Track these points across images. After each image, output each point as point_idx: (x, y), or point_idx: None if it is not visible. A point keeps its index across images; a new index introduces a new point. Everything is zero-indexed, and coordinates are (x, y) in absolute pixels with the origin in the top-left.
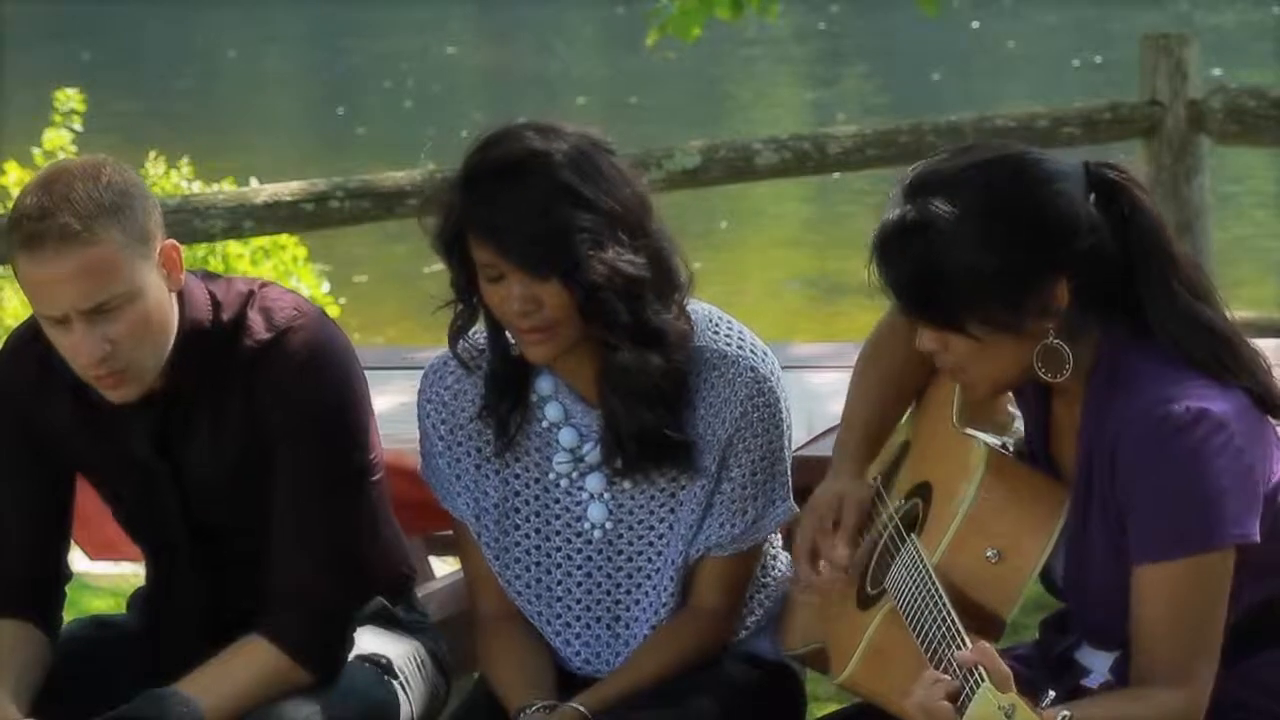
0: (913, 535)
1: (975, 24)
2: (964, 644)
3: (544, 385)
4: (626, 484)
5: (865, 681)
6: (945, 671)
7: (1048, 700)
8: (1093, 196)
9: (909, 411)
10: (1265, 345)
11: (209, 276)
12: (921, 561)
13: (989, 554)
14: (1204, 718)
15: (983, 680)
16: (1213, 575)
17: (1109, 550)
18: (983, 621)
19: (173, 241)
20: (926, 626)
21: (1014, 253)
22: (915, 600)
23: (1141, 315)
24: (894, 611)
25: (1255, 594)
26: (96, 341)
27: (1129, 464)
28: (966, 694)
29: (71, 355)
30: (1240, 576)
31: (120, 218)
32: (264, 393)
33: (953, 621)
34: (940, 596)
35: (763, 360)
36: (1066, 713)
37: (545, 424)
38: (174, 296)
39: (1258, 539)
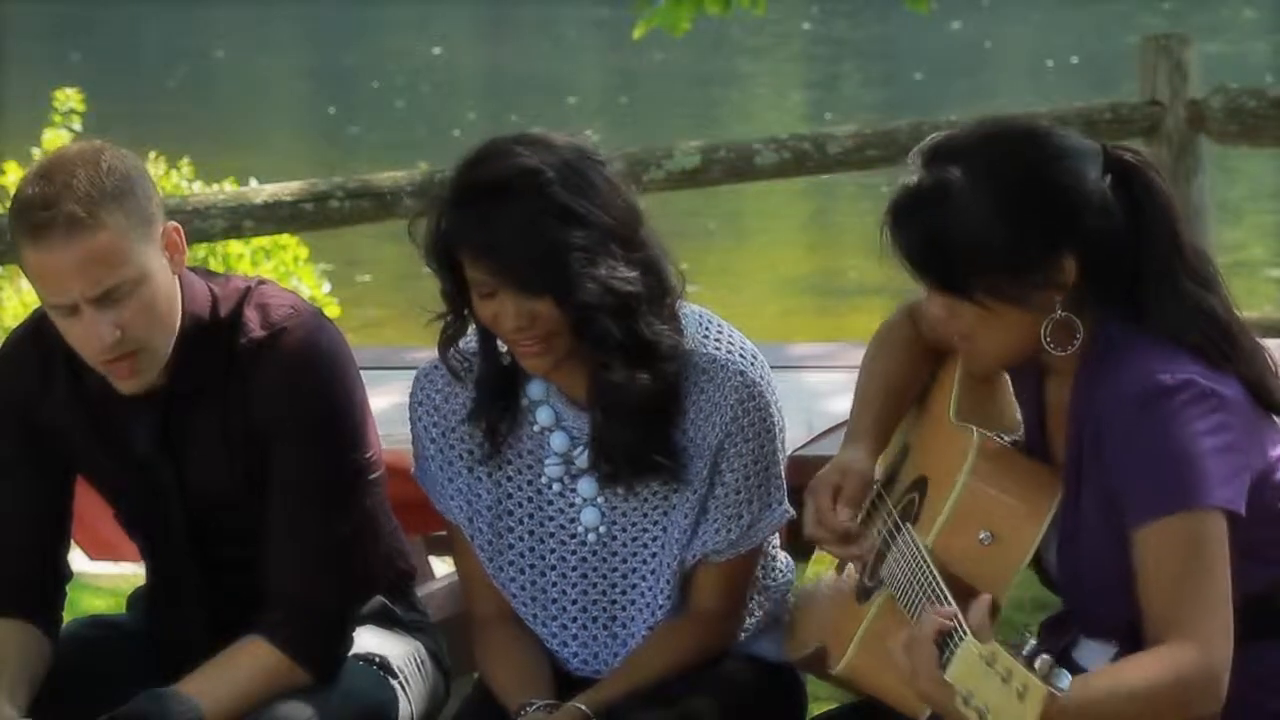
0: (908, 525)
1: (956, 24)
2: (947, 603)
3: (535, 390)
4: (619, 489)
5: (862, 671)
6: None
7: (1028, 647)
8: (1109, 178)
9: (909, 416)
10: (1265, 345)
11: (207, 274)
12: (916, 547)
13: (982, 537)
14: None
15: (965, 634)
16: (1205, 538)
17: (1101, 530)
18: None
19: (174, 224)
20: (919, 605)
21: (1023, 225)
22: (910, 585)
23: (1143, 297)
24: (890, 600)
25: (1249, 584)
26: (107, 328)
27: (1117, 431)
28: (950, 649)
29: (82, 344)
30: (1234, 561)
31: (124, 202)
32: (259, 392)
33: (941, 589)
34: (931, 572)
35: (752, 364)
36: (1046, 655)
37: (537, 428)
38: (177, 280)
39: (1243, 512)
